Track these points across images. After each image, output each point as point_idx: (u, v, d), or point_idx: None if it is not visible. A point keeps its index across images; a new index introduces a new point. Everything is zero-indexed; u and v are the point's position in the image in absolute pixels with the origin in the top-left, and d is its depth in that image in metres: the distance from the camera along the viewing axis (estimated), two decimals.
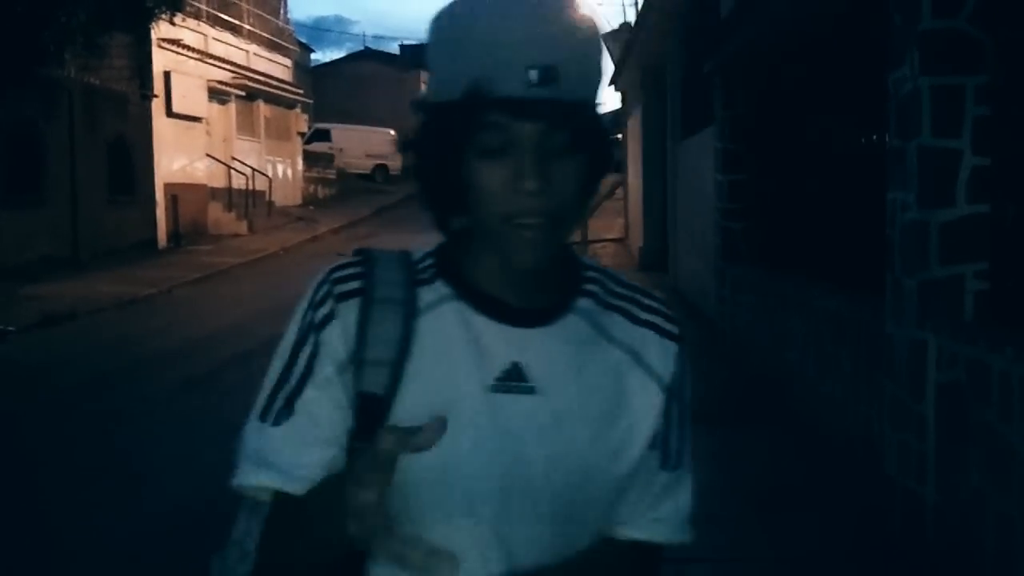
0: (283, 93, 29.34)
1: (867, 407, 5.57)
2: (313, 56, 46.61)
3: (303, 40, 41.17)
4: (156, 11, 15.02)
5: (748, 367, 8.64)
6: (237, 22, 27.34)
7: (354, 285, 1.15)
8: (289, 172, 29.95)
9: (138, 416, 7.88)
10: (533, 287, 1.16)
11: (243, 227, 23.60)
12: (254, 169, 25.29)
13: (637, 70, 17.86)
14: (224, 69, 24.77)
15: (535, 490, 1.13)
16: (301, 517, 1.12)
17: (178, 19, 17.76)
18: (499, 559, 1.14)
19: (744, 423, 6.92)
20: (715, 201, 9.81)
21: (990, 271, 4.39)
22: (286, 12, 33.42)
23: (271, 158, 28.21)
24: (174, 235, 21.04)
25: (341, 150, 36.19)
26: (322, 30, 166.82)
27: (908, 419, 4.63)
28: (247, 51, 27.75)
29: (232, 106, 25.62)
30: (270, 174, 27.12)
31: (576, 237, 6.70)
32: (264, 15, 30.19)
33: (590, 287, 1.22)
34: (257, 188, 25.41)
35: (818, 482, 5.67)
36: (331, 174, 33.56)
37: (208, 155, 23.36)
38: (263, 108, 28.03)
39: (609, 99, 23.70)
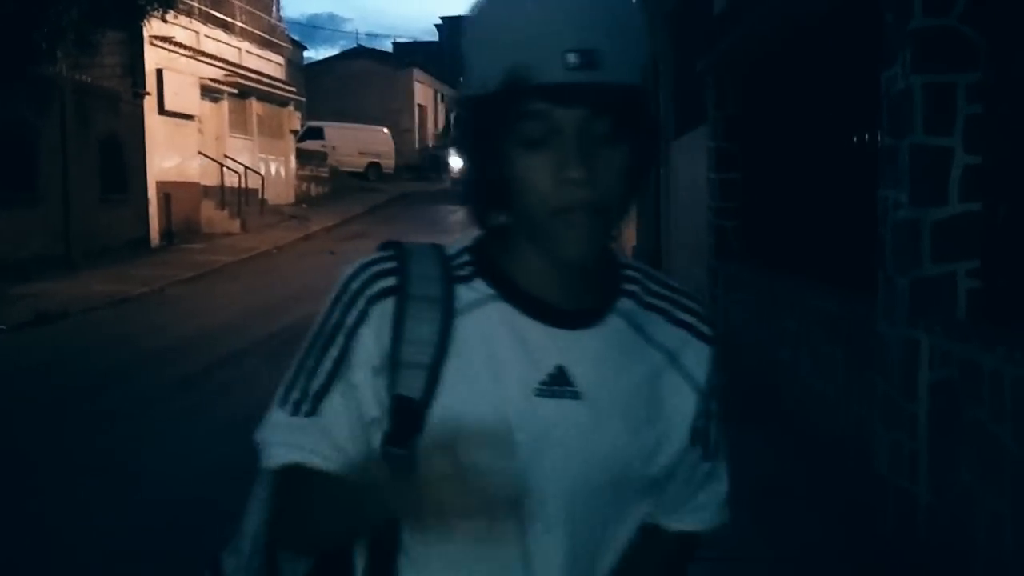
0: (276, 91, 29.28)
1: (859, 406, 5.58)
2: (306, 54, 46.49)
3: (296, 37, 41.12)
4: (148, 8, 15.00)
5: (740, 366, 8.65)
6: (229, 19, 27.27)
7: (389, 282, 1.12)
8: (282, 170, 29.90)
9: (132, 414, 7.86)
10: (577, 287, 1.14)
11: (236, 225, 23.55)
12: (247, 167, 25.23)
13: None
14: (217, 67, 24.71)
15: (568, 493, 1.12)
16: (331, 493, 1.11)
17: (170, 16, 17.75)
18: (520, 565, 1.12)
19: (736, 422, 6.90)
20: (708, 200, 9.82)
21: (982, 269, 4.40)
22: (279, 9, 33.37)
23: (264, 156, 28.16)
24: (167, 233, 21.00)
25: (334, 148, 36.14)
26: (315, 27, 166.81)
27: (900, 418, 4.64)
28: (240, 48, 27.68)
29: (225, 104, 25.57)
30: (263, 172, 27.07)
31: None
32: (257, 12, 30.12)
33: (630, 287, 1.20)
34: (250, 186, 25.36)
35: (810, 480, 5.68)
36: (324, 172, 33.52)
37: (201, 153, 23.30)
38: (256, 106, 27.97)
39: None
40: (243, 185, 24.64)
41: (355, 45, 54.38)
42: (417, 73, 46.50)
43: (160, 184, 20.95)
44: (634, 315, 1.18)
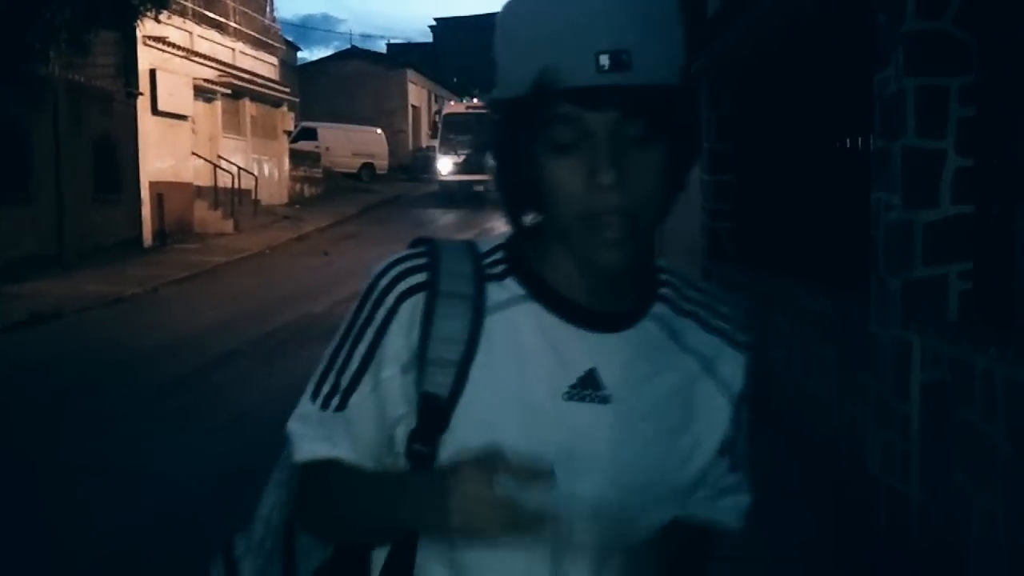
0: (269, 91, 29.24)
1: (852, 406, 5.60)
2: (300, 54, 46.52)
3: (290, 38, 41.14)
4: (141, 8, 14.98)
5: None
6: (223, 20, 27.23)
7: (419, 278, 1.11)
8: (275, 171, 29.86)
9: (127, 414, 7.86)
10: (610, 290, 1.12)
11: (229, 226, 23.51)
12: (240, 168, 25.20)
13: None
14: (210, 67, 24.67)
15: (595, 500, 1.10)
16: (356, 487, 1.12)
17: (163, 17, 17.74)
18: (547, 568, 1.11)
19: None
20: (701, 201, 9.83)
21: (974, 271, 4.41)
22: (272, 10, 33.32)
23: (257, 157, 28.12)
24: (160, 234, 20.96)
25: (327, 149, 36.09)
26: (309, 28, 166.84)
27: (892, 418, 4.65)
28: (233, 49, 27.65)
29: (218, 104, 25.53)
30: (256, 173, 27.03)
31: None
32: (250, 13, 30.08)
33: (665, 291, 1.18)
34: (243, 187, 25.33)
35: (803, 481, 5.69)
36: (317, 173, 33.47)
37: (194, 153, 23.26)
38: (249, 106, 27.94)
39: None
40: (236, 186, 24.61)
41: (349, 46, 54.22)
42: (411, 74, 46.47)
43: (153, 184, 20.91)
44: (668, 320, 1.16)
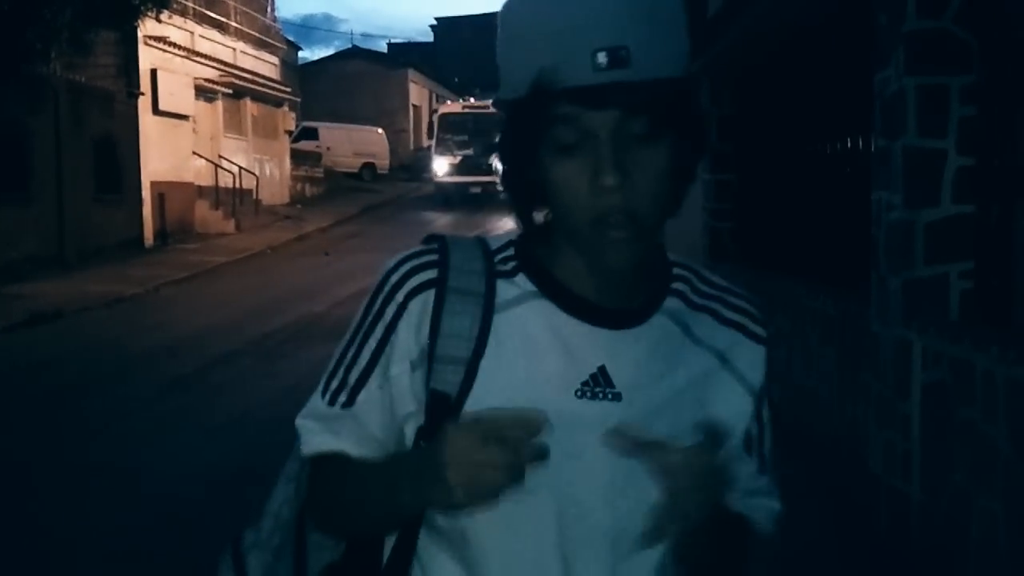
0: (270, 91, 29.25)
1: (853, 406, 5.60)
2: (301, 54, 46.53)
3: (291, 38, 41.18)
4: (142, 8, 14.96)
5: None
6: (224, 19, 27.25)
7: (429, 275, 1.10)
8: (276, 170, 29.87)
9: (127, 414, 7.85)
10: (620, 287, 1.11)
11: (230, 226, 23.52)
12: (241, 167, 25.21)
13: None
14: (211, 67, 24.67)
15: (606, 501, 1.09)
16: (364, 481, 1.12)
17: (164, 16, 17.71)
18: (559, 566, 1.10)
19: None
20: (702, 201, 9.82)
21: (975, 271, 4.41)
22: (273, 10, 33.37)
23: (258, 156, 28.13)
24: (161, 234, 20.97)
25: (328, 148, 36.09)
26: (310, 28, 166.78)
27: (893, 418, 4.65)
28: (234, 49, 27.65)
29: (219, 104, 25.54)
30: (257, 172, 27.04)
31: None
32: (251, 12, 30.11)
33: (678, 286, 1.17)
34: (244, 186, 25.33)
35: (804, 480, 5.69)
36: (318, 172, 33.48)
37: (195, 153, 23.27)
38: (250, 106, 27.95)
39: None
40: (237, 185, 24.61)
41: (350, 45, 54.25)
42: (412, 73, 46.48)
43: (154, 184, 20.91)
44: (681, 315, 1.15)
